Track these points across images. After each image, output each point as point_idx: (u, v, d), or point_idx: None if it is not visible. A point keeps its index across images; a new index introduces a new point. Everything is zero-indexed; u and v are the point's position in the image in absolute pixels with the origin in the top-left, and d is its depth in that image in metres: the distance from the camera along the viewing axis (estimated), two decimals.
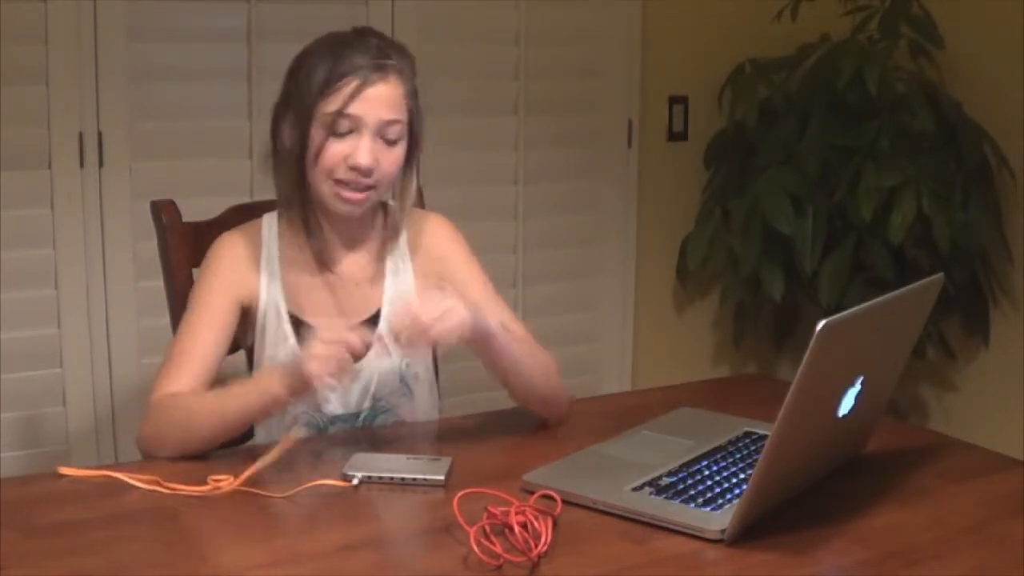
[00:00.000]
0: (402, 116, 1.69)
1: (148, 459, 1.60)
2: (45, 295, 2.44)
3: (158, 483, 1.47)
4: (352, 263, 1.79)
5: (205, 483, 1.46)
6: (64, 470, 1.51)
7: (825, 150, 2.90)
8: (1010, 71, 2.93)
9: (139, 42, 2.46)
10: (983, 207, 2.92)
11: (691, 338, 3.29)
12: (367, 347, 1.60)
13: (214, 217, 1.95)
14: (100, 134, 2.43)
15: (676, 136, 3.18)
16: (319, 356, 1.52)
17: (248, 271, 1.75)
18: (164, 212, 1.89)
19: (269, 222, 1.79)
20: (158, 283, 1.94)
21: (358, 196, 1.69)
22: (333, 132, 1.65)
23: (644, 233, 3.16)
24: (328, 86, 1.64)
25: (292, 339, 1.74)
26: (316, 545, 1.36)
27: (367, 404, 1.78)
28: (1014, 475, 1.58)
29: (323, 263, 1.77)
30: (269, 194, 1.82)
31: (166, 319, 1.90)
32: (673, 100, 3.17)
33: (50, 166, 2.40)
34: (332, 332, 1.57)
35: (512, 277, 2.94)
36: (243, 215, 1.92)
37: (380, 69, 1.66)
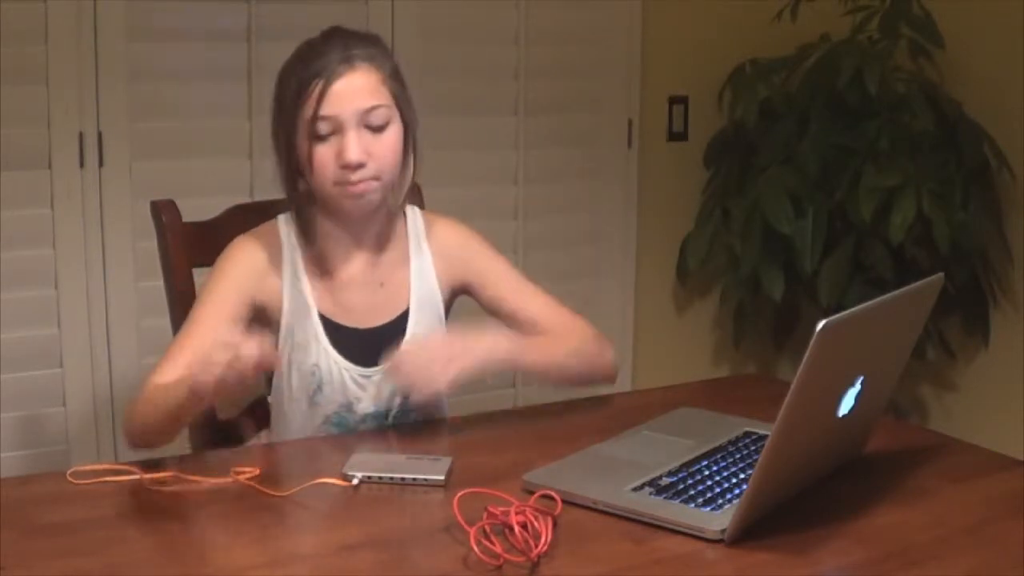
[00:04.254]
0: (383, 100, 1.67)
1: (135, 449, 1.61)
2: (45, 295, 2.44)
3: (176, 476, 1.47)
4: (374, 264, 1.78)
5: (227, 475, 1.47)
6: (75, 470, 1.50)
7: (825, 150, 2.90)
8: (1010, 71, 2.93)
9: (139, 42, 2.46)
10: (983, 207, 2.92)
11: (691, 338, 3.29)
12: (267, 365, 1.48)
13: (214, 217, 1.95)
14: (100, 134, 2.43)
15: (676, 136, 3.18)
16: (211, 361, 1.43)
17: (269, 274, 1.73)
18: (164, 212, 1.89)
19: (286, 223, 1.77)
20: (158, 283, 1.94)
21: (360, 188, 1.67)
22: (316, 138, 1.65)
23: (644, 233, 3.16)
24: (300, 94, 1.65)
25: (324, 339, 1.74)
26: (316, 545, 1.36)
27: (397, 402, 1.78)
28: (1014, 475, 1.57)
29: (326, 270, 1.75)
30: (269, 194, 1.82)
31: (166, 319, 1.90)
32: (673, 100, 3.17)
33: (50, 166, 2.40)
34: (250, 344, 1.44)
35: None
36: (243, 215, 1.92)
37: (345, 62, 1.65)
